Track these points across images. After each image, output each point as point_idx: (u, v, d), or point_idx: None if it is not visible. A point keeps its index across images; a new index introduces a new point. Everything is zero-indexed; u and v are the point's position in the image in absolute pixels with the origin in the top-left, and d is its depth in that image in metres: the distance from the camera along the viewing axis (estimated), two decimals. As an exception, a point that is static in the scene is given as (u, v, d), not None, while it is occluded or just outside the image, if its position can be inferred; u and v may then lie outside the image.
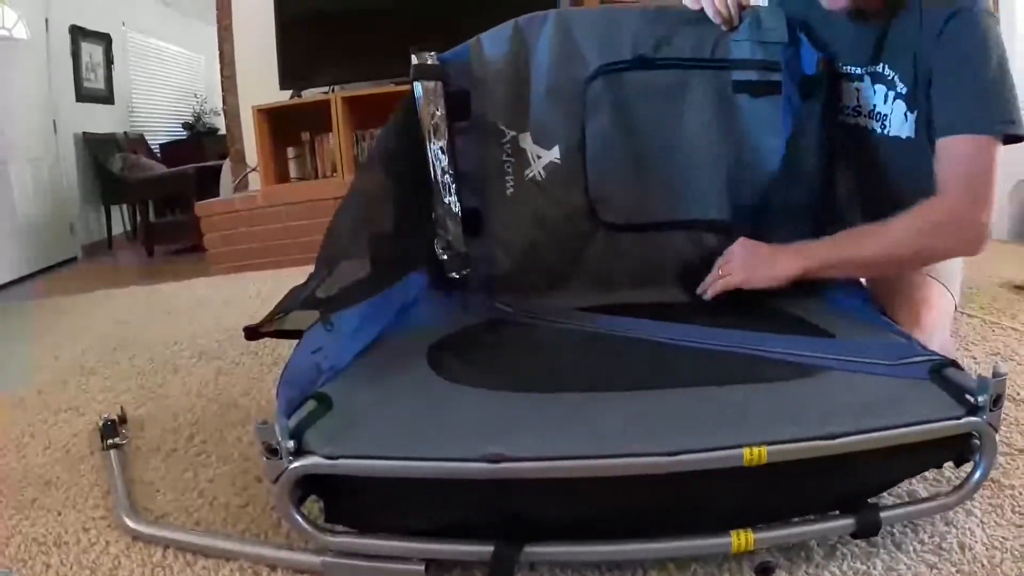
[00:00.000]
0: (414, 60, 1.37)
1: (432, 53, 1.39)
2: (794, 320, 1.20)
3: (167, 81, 6.62)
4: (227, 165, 3.72)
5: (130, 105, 5.89)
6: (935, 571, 0.86)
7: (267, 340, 1.91)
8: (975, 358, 1.68)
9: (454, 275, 1.39)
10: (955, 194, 1.08)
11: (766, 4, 1.48)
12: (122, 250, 4.98)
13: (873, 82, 1.28)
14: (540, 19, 1.42)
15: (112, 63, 5.57)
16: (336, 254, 1.17)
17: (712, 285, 1.28)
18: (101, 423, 1.41)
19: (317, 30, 3.29)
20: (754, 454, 0.75)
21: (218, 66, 3.66)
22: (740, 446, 0.75)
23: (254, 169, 3.43)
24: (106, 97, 5.50)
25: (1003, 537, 0.93)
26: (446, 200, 1.40)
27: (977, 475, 0.87)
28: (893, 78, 1.24)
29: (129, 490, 1.19)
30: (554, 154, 1.44)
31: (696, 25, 1.41)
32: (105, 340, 2.23)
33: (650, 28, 1.42)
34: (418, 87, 1.37)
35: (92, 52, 5.33)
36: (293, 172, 3.39)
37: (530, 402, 0.91)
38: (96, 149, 4.95)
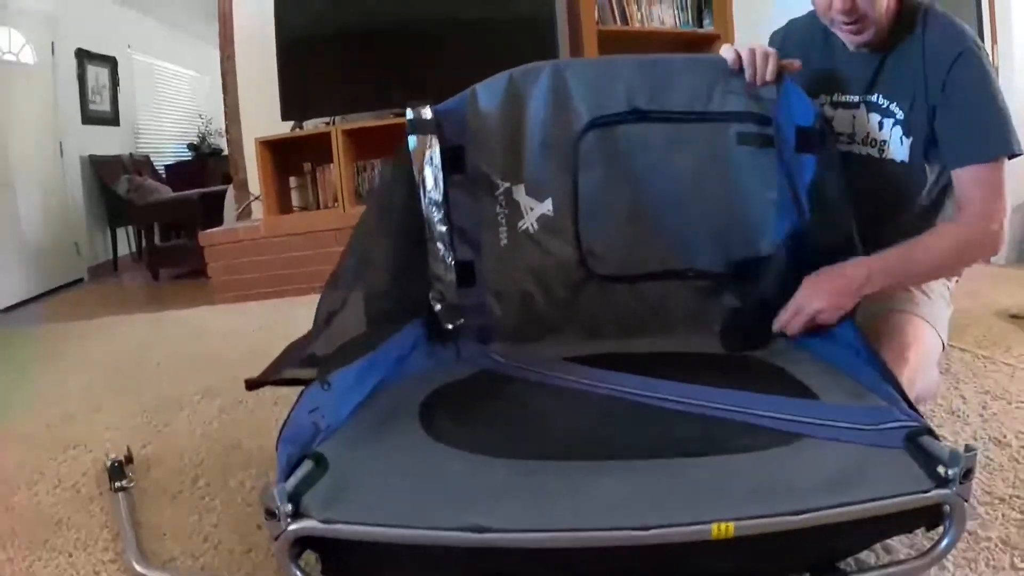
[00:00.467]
0: (409, 114, 1.41)
1: (428, 107, 1.42)
2: (780, 377, 1.24)
3: (173, 102, 6.73)
4: (231, 192, 3.79)
5: (136, 127, 5.99)
6: (904, 627, 0.89)
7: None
8: (964, 397, 1.68)
9: (448, 326, 1.44)
10: (980, 212, 1.25)
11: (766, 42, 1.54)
12: (128, 272, 5.06)
13: (868, 110, 1.39)
14: (535, 71, 1.46)
15: (118, 85, 5.67)
16: (334, 309, 1.22)
17: (793, 322, 1.29)
18: (108, 464, 1.46)
19: (317, 61, 3.36)
20: (722, 529, 0.79)
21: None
22: (709, 522, 0.79)
23: (257, 198, 3.50)
24: (112, 119, 5.59)
25: (976, 593, 0.94)
26: (440, 251, 1.45)
27: (944, 543, 0.89)
28: (888, 106, 1.35)
29: (137, 534, 1.24)
30: (547, 206, 1.49)
31: (691, 74, 1.45)
32: (111, 372, 2.29)
33: (645, 78, 1.45)
34: (412, 140, 1.41)
35: (98, 75, 5.43)
36: (296, 201, 3.46)
37: (516, 470, 0.96)
38: (102, 171, 5.03)
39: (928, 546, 0.92)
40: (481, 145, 1.45)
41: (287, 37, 3.35)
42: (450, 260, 1.45)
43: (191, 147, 6.35)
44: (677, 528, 0.81)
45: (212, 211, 4.02)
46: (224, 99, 3.65)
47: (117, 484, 1.39)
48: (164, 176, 5.79)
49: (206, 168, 5.88)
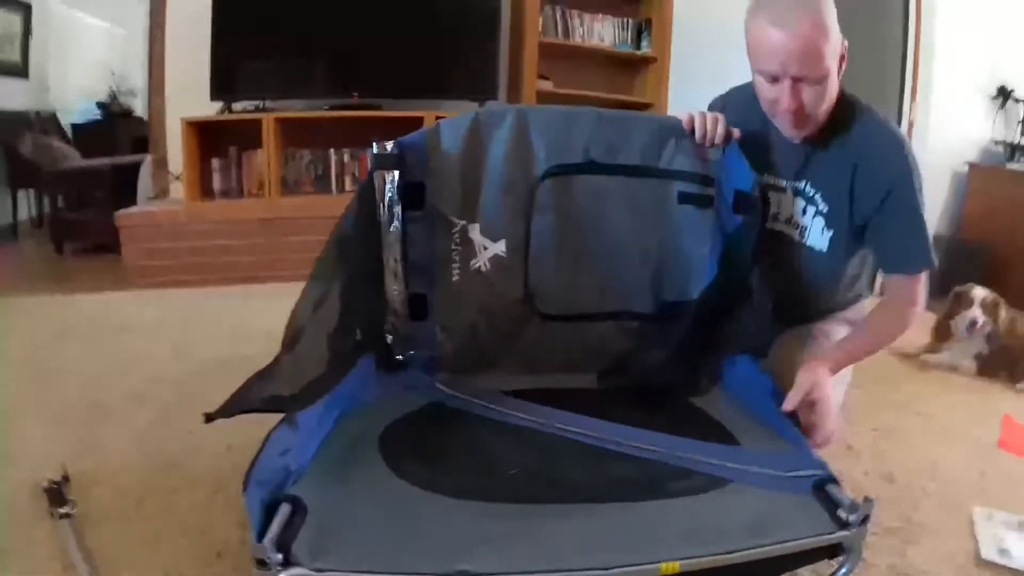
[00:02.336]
0: (374, 149, 1.42)
1: (391, 143, 1.43)
2: (705, 422, 1.39)
3: (86, 56, 6.25)
4: (146, 166, 3.63)
5: (45, 80, 5.57)
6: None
7: (195, 389, 1.98)
8: (859, 435, 1.89)
9: (399, 357, 1.50)
10: (908, 305, 1.41)
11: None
12: (28, 239, 4.71)
13: (795, 195, 1.47)
14: (499, 114, 1.49)
15: (30, 34, 5.26)
16: (297, 349, 1.24)
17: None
18: (45, 486, 1.41)
19: (254, 42, 3.27)
20: (669, 567, 0.97)
21: (140, 42, 3.55)
22: (658, 561, 0.96)
23: (177, 178, 3.39)
24: (21, 71, 5.19)
25: (863, 613, 1.14)
26: (394, 286, 1.49)
27: (842, 572, 1.08)
28: (815, 196, 1.44)
29: (93, 568, 1.21)
30: (500, 247, 1.54)
31: (646, 131, 1.52)
32: (27, 367, 2.18)
33: (603, 132, 1.51)
34: (376, 177, 1.44)
35: (10, 22, 5.03)
36: (216, 184, 3.36)
37: (484, 514, 1.07)
38: (4, 127, 4.68)
39: (829, 573, 1.12)
40: (440, 183, 1.48)
41: (225, 14, 3.21)
42: (403, 294, 1.49)
43: (101, 106, 5.95)
44: (633, 567, 0.96)
45: (125, 183, 3.82)
46: (149, 68, 3.49)
47: (61, 511, 1.34)
48: (71, 137, 5.43)
49: (116, 131, 5.53)
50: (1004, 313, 2.71)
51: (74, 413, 1.86)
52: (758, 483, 1.17)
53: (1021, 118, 4.36)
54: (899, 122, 4.19)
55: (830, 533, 1.04)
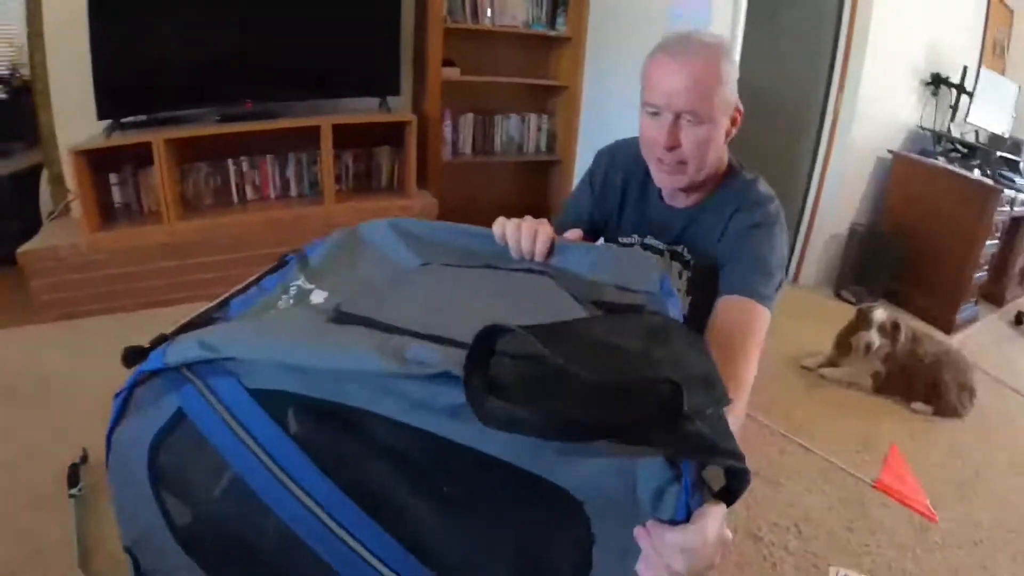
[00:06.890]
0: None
1: None
2: None
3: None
4: (46, 179, 3.47)
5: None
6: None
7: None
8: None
9: None
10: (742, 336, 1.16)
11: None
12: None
13: (672, 258, 1.45)
14: None
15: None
16: None
17: None
18: None
19: (135, 54, 3.05)
20: None
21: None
22: None
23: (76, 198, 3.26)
24: None
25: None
26: None
27: None
28: (690, 261, 1.42)
29: None
30: None
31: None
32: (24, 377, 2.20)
33: None
34: None
35: None
36: (117, 198, 3.24)
37: None
38: None
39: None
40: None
41: (101, 26, 2.97)
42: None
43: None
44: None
45: (25, 190, 3.63)
46: (33, 84, 3.27)
47: None
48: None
49: (19, 108, 5.15)
50: (903, 336, 2.77)
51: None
52: None
53: (952, 102, 4.23)
54: (823, 115, 3.99)
55: None
